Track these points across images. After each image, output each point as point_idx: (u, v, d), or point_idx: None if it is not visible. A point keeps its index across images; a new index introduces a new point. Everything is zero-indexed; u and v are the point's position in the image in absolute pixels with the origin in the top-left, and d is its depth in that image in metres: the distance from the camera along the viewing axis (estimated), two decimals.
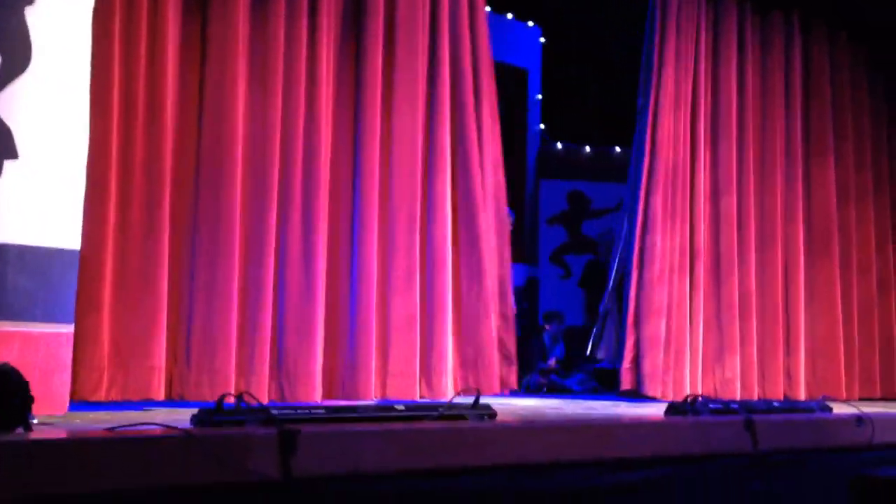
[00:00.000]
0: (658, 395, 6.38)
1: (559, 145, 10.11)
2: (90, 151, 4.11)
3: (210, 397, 4.60)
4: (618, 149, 10.07)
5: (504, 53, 10.13)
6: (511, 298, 6.29)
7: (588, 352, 6.98)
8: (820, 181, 7.54)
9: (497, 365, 5.85)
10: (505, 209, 6.29)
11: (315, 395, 5.11)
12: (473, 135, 6.00)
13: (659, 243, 6.62)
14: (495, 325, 5.93)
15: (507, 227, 6.35)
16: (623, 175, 9.87)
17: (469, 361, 5.74)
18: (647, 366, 6.43)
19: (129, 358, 4.51)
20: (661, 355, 6.49)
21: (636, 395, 6.44)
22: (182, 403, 4.66)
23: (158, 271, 4.65)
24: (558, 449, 3.30)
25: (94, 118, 4.19)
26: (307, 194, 5.27)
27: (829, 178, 7.57)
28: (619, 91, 10.48)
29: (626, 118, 10.35)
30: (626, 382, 6.46)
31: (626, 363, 6.47)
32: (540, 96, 10.22)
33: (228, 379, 4.81)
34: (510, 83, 10.34)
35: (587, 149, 10.08)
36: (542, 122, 10.23)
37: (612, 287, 6.84)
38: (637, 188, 6.79)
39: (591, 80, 10.64)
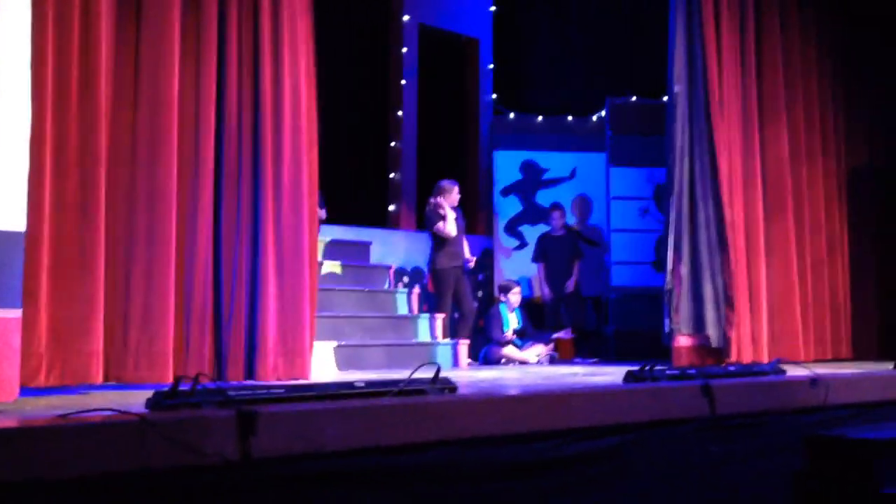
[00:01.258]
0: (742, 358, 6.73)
1: (511, 115, 10.10)
2: (31, 131, 4.04)
3: (150, 380, 4.59)
4: (570, 117, 10.09)
5: (455, 23, 10.08)
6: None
7: (669, 324, 6.94)
8: (774, 142, 7.55)
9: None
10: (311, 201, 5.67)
11: (243, 376, 5.13)
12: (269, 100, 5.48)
13: None
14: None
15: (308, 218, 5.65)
16: (575, 143, 9.96)
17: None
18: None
19: (68, 343, 4.44)
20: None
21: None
22: (122, 387, 4.61)
23: (95, 252, 4.58)
24: (519, 420, 3.30)
25: (33, 98, 4.12)
26: (241, 171, 5.26)
27: (782, 139, 7.59)
28: (571, 58, 10.49)
29: (575, 86, 10.37)
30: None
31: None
32: (491, 66, 10.18)
33: (167, 362, 4.78)
34: (461, 53, 10.30)
35: (539, 118, 10.08)
36: (494, 92, 10.20)
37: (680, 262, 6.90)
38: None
39: (542, 48, 10.62)
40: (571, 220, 9.68)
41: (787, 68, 7.69)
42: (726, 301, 6.83)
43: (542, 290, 9.11)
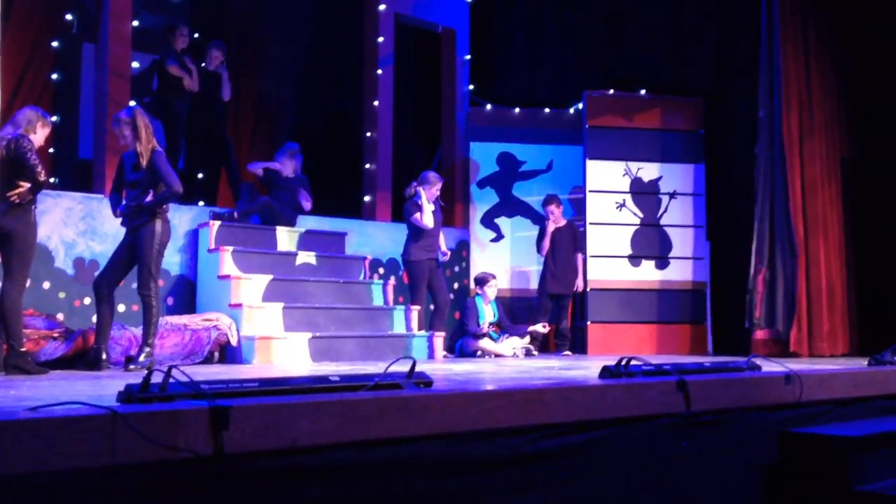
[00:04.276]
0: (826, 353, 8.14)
1: (488, 107, 10.09)
2: None
3: None
4: (547, 110, 10.09)
5: (431, 13, 10.05)
6: None
7: (751, 319, 8.17)
8: (810, 164, 8.40)
9: None
10: None
11: None
12: None
13: None
14: None
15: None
16: (552, 136, 9.99)
17: None
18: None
19: None
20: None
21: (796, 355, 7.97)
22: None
23: None
24: (495, 415, 3.26)
25: None
26: None
27: (815, 160, 8.41)
28: (548, 50, 10.49)
29: (552, 79, 10.37)
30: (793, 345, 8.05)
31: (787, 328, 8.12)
32: (468, 57, 10.17)
33: None
34: (437, 43, 10.26)
35: (516, 110, 10.08)
36: (470, 83, 10.18)
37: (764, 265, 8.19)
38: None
39: (519, 39, 10.61)
40: (569, 213, 9.65)
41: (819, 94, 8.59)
42: (793, 301, 8.15)
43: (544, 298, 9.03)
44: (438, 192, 8.21)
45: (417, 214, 8.03)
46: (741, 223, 8.72)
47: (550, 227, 9.02)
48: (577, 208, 9.65)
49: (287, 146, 8.43)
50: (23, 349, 5.30)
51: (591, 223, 9.36)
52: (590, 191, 9.39)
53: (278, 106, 10.49)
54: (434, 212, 8.14)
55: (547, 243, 9.02)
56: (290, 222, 8.13)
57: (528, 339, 8.46)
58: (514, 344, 8.29)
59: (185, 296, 7.58)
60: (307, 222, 8.41)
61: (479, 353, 8.15)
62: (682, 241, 9.45)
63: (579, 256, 9.08)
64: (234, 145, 9.08)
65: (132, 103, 7.23)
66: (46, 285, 6.98)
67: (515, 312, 9.37)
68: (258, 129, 10.32)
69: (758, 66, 8.42)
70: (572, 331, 9.25)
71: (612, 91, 9.57)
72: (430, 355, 7.59)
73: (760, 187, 8.28)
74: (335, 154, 10.13)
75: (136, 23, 7.86)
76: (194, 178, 8.66)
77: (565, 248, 9.03)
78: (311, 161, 8.87)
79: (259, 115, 10.33)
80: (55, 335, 6.24)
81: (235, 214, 7.93)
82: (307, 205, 8.27)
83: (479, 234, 9.86)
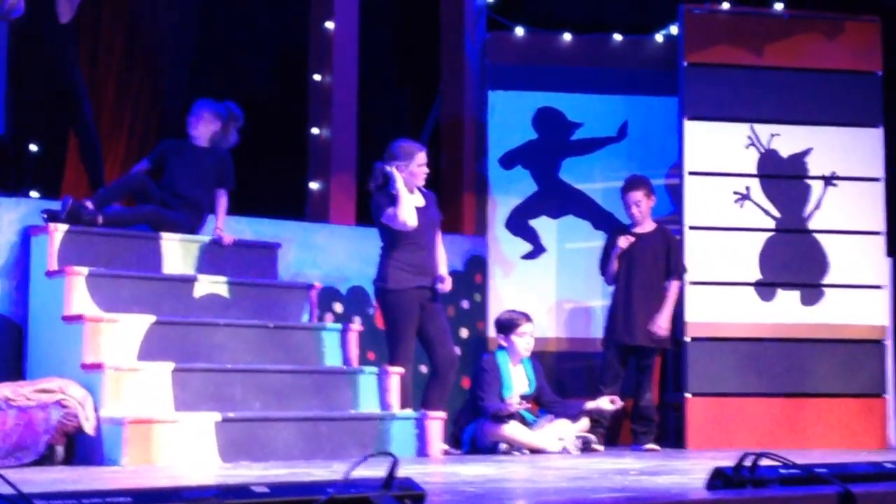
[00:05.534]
0: None
1: (519, 31, 10.12)
2: None
3: None
4: (617, 37, 10.06)
5: None
6: None
7: None
8: None
9: None
10: None
11: None
12: None
13: None
14: None
15: None
16: (627, 81, 9.96)
17: None
18: None
19: None
20: None
21: None
22: None
23: None
24: None
25: None
26: None
27: None
28: None
29: None
30: None
31: None
32: None
33: None
34: None
35: (566, 37, 10.11)
36: None
37: None
38: None
39: None
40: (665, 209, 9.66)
41: None
42: None
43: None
44: (425, 173, 8.15)
45: (391, 209, 7.96)
46: None
47: (623, 244, 9.03)
48: (672, 201, 9.61)
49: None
50: None
51: (691, 227, 9.41)
52: (690, 172, 9.43)
53: (173, 32, 10.46)
54: (424, 208, 8.10)
55: (617, 263, 8.98)
56: (194, 226, 8.08)
57: (585, 423, 8.41)
58: (562, 432, 8.27)
59: (8, 351, 7.59)
60: (213, 225, 8.34)
61: (503, 445, 8.08)
62: (848, 259, 9.51)
63: (674, 285, 9.02)
64: (93, 100, 9.03)
65: None
66: None
67: (566, 379, 9.31)
68: (145, 77, 10.29)
69: None
70: (661, 410, 9.18)
71: (726, 4, 9.54)
72: (423, 450, 7.70)
73: None
74: (261, 111, 10.08)
75: None
76: (22, 152, 8.61)
77: (650, 270, 9.00)
78: None
79: (136, 48, 10.30)
80: None
81: (88, 205, 7.84)
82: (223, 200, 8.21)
83: (504, 247, 9.85)
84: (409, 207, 8.07)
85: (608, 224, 9.38)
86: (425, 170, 8.21)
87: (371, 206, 8.30)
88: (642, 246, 9.05)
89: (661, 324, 8.99)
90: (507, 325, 8.55)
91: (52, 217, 7.79)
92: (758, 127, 9.49)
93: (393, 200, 8.05)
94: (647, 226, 9.12)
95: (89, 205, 7.94)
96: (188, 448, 6.85)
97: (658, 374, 9.17)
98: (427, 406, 7.97)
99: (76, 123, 8.84)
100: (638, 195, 9.05)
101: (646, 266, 9.04)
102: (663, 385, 9.51)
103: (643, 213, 9.08)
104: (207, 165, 8.32)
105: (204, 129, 8.36)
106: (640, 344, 8.97)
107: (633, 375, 8.99)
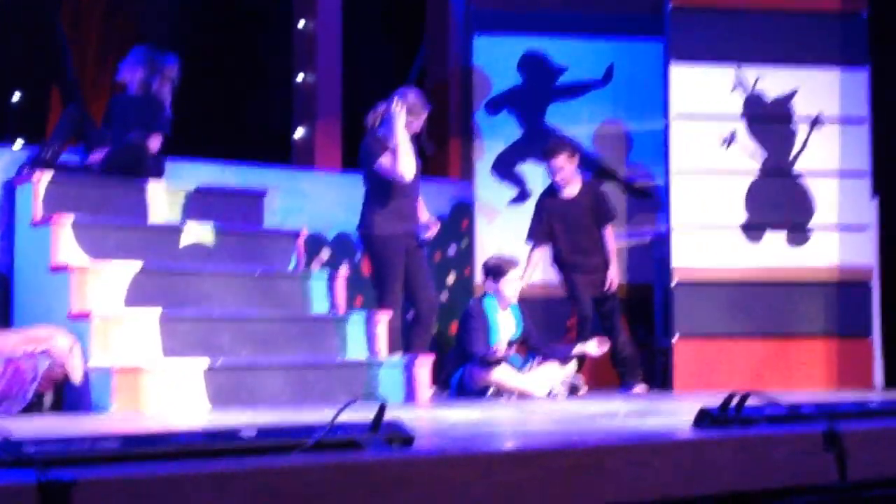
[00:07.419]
0: None
1: None
2: None
3: None
4: None
5: None
6: None
7: None
8: None
9: None
10: None
11: None
12: None
13: None
14: None
15: None
16: (612, 23, 9.95)
17: None
18: None
19: None
20: None
21: None
22: None
23: None
24: (518, 495, 3.29)
25: None
26: None
27: None
28: None
29: None
30: None
31: None
32: None
33: None
34: None
35: None
36: None
37: None
38: None
39: None
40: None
41: None
42: None
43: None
44: (421, 129, 8.17)
45: (385, 157, 7.97)
46: None
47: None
48: (653, 147, 9.62)
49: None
50: None
51: (677, 172, 9.38)
52: (676, 116, 9.38)
53: None
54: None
55: (551, 227, 9.21)
56: (156, 170, 8.05)
57: (573, 367, 8.44)
58: (550, 376, 8.28)
59: None
60: (198, 173, 8.38)
61: (491, 389, 8.13)
62: (833, 200, 9.52)
63: (608, 232, 9.28)
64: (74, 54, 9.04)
65: None
66: None
67: (553, 324, 9.34)
68: (126, 29, 10.27)
69: None
70: (647, 352, 9.22)
71: None
72: (410, 395, 7.73)
73: None
74: (245, 55, 10.06)
75: None
76: (4, 100, 8.61)
77: (587, 229, 9.26)
78: (202, 73, 8.81)
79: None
80: None
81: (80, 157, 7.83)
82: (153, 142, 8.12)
83: (491, 192, 9.83)
84: (408, 158, 8.10)
85: (594, 168, 9.38)
86: (420, 126, 8.26)
87: (360, 150, 8.31)
88: (575, 211, 9.16)
89: (614, 277, 9.14)
90: (495, 271, 8.59)
91: (43, 163, 7.75)
92: (744, 69, 9.48)
93: (390, 151, 8.03)
94: (575, 187, 9.19)
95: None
96: (177, 395, 6.89)
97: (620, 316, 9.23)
98: (413, 350, 8.04)
99: (59, 77, 8.85)
100: (560, 160, 9.07)
101: (581, 228, 9.15)
102: (649, 329, 9.57)
103: (567, 177, 9.11)
104: (137, 110, 8.20)
105: (128, 75, 8.31)
106: (597, 297, 9.09)
107: (603, 324, 9.08)
